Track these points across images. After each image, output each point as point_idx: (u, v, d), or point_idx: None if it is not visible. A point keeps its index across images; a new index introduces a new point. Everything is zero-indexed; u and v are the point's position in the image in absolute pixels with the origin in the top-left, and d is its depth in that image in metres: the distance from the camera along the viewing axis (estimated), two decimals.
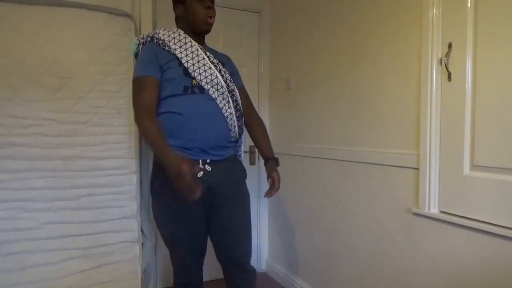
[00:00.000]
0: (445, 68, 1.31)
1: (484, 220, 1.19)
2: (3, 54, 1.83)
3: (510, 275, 1.11)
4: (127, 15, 2.10)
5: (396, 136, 1.55)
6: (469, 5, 1.24)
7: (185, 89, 1.42)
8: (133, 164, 2.07)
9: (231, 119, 1.50)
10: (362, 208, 1.75)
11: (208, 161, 1.45)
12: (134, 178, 2.07)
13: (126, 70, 2.07)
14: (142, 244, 2.11)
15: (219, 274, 2.45)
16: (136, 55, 1.56)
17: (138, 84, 1.42)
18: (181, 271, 1.56)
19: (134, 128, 2.09)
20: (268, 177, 1.61)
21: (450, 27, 1.30)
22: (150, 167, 2.22)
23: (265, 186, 1.90)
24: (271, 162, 1.64)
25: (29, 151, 1.85)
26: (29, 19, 1.88)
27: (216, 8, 2.48)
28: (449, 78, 1.30)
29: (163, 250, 2.38)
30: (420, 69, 1.40)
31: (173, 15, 2.39)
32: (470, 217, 1.24)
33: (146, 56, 1.46)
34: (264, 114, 2.68)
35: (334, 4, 1.95)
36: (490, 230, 1.16)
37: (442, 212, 1.35)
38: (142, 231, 2.12)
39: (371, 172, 1.69)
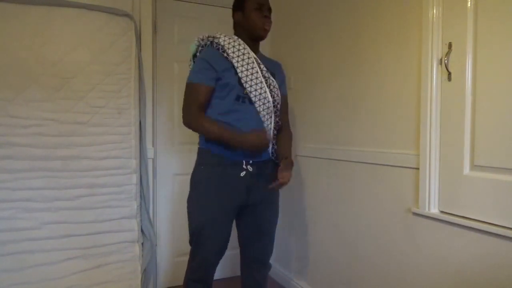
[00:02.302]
0: (445, 68, 1.31)
1: (484, 220, 1.19)
2: (3, 54, 1.83)
3: (509, 275, 1.11)
4: (127, 15, 2.10)
5: (396, 136, 1.55)
6: (469, 5, 1.24)
7: (237, 97, 1.53)
8: (133, 164, 2.07)
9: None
10: (362, 208, 1.75)
11: (250, 162, 1.56)
12: (134, 178, 2.07)
13: (126, 70, 2.07)
14: (142, 244, 2.11)
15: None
16: (194, 56, 1.62)
17: (191, 90, 1.54)
18: (199, 266, 1.59)
19: (134, 128, 2.09)
20: (279, 173, 1.56)
21: (450, 27, 1.30)
22: (150, 167, 2.25)
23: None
24: (286, 160, 1.62)
25: (29, 151, 1.85)
26: (29, 19, 1.88)
27: (215, 7, 2.53)
28: (449, 78, 1.30)
29: (163, 250, 2.39)
30: (420, 69, 1.40)
31: (173, 15, 2.42)
32: (470, 217, 1.23)
33: (203, 63, 1.53)
34: None
35: (334, 4, 1.95)
36: (490, 230, 1.16)
37: (442, 212, 1.35)
38: (142, 231, 2.12)
39: (371, 172, 1.69)
